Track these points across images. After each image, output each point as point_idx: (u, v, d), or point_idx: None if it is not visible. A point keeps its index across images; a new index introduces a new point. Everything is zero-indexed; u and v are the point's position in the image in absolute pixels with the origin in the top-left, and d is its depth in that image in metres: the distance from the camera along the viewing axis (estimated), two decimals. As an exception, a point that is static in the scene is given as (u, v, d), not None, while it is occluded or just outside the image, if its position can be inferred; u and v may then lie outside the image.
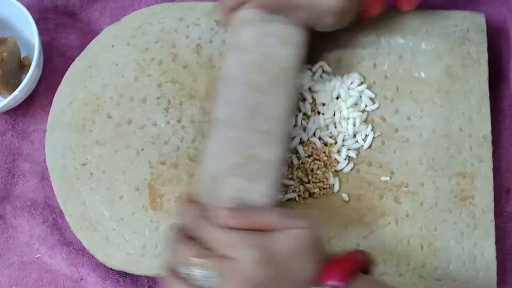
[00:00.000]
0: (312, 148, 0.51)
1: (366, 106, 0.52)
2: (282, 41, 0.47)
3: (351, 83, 0.52)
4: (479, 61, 0.52)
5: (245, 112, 0.44)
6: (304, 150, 0.51)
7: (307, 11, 0.46)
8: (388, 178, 0.50)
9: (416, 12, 0.54)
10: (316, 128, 0.51)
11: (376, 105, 0.52)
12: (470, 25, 0.53)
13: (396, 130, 0.52)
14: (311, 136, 0.51)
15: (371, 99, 0.52)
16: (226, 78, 0.47)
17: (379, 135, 0.51)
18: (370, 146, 0.51)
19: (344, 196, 0.50)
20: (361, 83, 0.52)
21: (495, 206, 0.50)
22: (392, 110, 0.52)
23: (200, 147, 0.51)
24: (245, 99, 0.45)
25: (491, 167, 0.50)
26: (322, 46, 0.53)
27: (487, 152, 0.50)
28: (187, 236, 0.40)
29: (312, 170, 0.50)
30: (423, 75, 0.52)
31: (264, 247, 0.38)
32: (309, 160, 0.51)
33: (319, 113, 0.52)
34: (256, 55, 0.46)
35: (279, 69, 0.46)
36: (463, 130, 0.51)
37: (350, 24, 0.49)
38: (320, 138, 0.51)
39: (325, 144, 0.51)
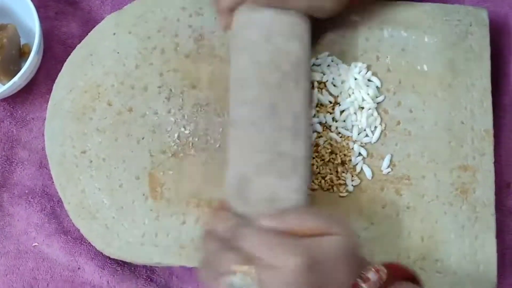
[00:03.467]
0: (331, 142, 0.51)
1: (376, 97, 0.52)
2: (287, 35, 0.46)
3: (359, 72, 0.52)
4: (482, 55, 0.52)
5: (264, 110, 0.44)
6: (321, 144, 0.50)
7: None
8: (389, 170, 0.50)
9: (419, 5, 0.54)
10: (332, 120, 0.51)
11: (382, 97, 0.52)
12: (473, 20, 0.53)
13: (398, 123, 0.52)
14: (327, 129, 0.51)
15: (378, 88, 0.52)
16: (238, 78, 0.46)
17: (382, 129, 0.51)
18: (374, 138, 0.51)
19: (349, 188, 0.50)
20: (367, 71, 0.52)
21: (495, 201, 0.50)
22: (395, 103, 0.52)
23: (202, 138, 0.51)
24: (262, 97, 0.44)
25: (493, 160, 0.50)
26: (325, 38, 0.53)
27: (488, 145, 0.51)
28: (226, 245, 0.39)
29: (327, 165, 0.50)
30: (425, 68, 0.52)
31: (306, 254, 0.37)
32: (326, 155, 0.50)
33: (330, 102, 0.51)
34: (265, 53, 0.46)
35: (290, 64, 0.45)
36: (465, 124, 0.51)
37: (345, 8, 0.49)
38: (338, 133, 0.51)
39: (342, 137, 0.51)
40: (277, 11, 0.46)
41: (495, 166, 0.51)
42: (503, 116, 0.55)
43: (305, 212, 0.40)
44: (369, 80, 0.52)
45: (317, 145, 0.51)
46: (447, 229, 0.49)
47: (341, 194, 0.50)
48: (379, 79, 0.52)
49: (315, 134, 0.51)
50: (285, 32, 0.46)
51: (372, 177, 0.50)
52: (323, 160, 0.50)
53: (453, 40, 0.53)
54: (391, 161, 0.51)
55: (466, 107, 0.52)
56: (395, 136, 0.51)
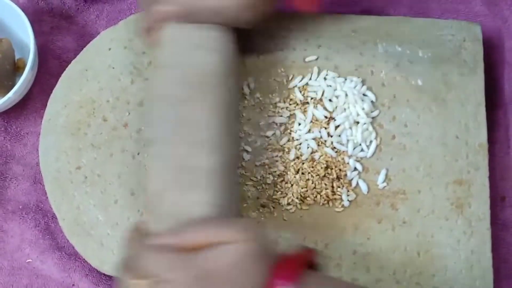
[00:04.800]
0: (326, 157, 0.51)
1: (371, 112, 0.52)
2: (205, 50, 0.46)
3: (354, 86, 0.52)
4: (475, 70, 0.53)
5: (171, 126, 0.44)
6: (316, 159, 0.51)
7: (214, 13, 0.46)
8: (385, 185, 0.50)
9: (413, 20, 0.54)
10: (327, 135, 0.51)
11: (377, 111, 0.52)
12: (466, 35, 0.54)
13: (393, 137, 0.52)
14: (322, 144, 0.51)
15: (373, 103, 0.52)
16: (153, 96, 0.46)
17: (377, 144, 0.51)
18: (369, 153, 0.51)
19: (344, 203, 0.50)
20: (362, 86, 0.53)
21: (490, 215, 0.50)
22: (389, 117, 0.52)
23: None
24: (170, 114, 0.44)
25: (487, 174, 0.51)
26: (318, 52, 0.54)
27: (483, 159, 0.51)
28: (129, 264, 0.40)
29: (322, 180, 0.50)
30: (420, 82, 0.53)
31: (197, 267, 0.37)
32: (321, 170, 0.50)
33: (325, 117, 0.52)
34: (179, 68, 0.45)
35: (203, 77, 0.45)
36: (460, 138, 0.51)
37: (269, 16, 0.48)
38: (333, 147, 0.51)
39: (338, 152, 0.51)
40: (196, 26, 0.46)
41: (489, 180, 0.51)
42: (497, 130, 0.55)
43: (203, 224, 0.40)
44: (364, 95, 0.52)
45: (312, 160, 0.51)
46: (443, 243, 0.49)
47: (337, 209, 0.50)
48: (374, 93, 0.52)
49: (310, 150, 0.51)
50: (202, 47, 0.46)
51: (367, 192, 0.50)
52: (318, 175, 0.50)
53: (447, 54, 0.53)
54: (386, 175, 0.51)
55: (461, 121, 0.52)
56: (390, 150, 0.51)
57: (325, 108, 0.52)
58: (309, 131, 0.51)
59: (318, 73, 0.53)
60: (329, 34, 0.54)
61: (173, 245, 0.38)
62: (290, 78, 0.53)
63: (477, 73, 0.53)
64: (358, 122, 0.51)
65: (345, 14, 0.55)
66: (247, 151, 0.51)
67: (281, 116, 0.52)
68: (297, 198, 0.50)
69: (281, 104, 0.52)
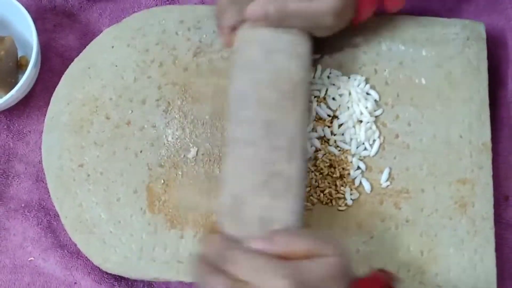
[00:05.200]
0: (329, 156, 0.50)
1: (375, 110, 0.52)
2: (287, 54, 0.46)
3: (358, 85, 0.52)
4: (479, 68, 0.53)
5: (261, 129, 0.44)
6: (319, 158, 0.50)
7: (305, 17, 0.46)
8: (388, 184, 0.50)
9: (417, 19, 0.54)
10: (331, 134, 0.51)
11: (380, 110, 0.52)
12: (470, 33, 0.54)
13: (397, 136, 0.52)
14: (326, 143, 0.51)
15: (376, 102, 0.52)
16: (237, 97, 0.46)
17: (381, 143, 0.51)
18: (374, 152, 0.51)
19: (347, 201, 0.50)
20: (366, 84, 0.52)
21: (493, 214, 0.50)
22: (393, 116, 0.52)
23: (205, 156, 0.51)
24: (260, 117, 0.44)
25: (491, 173, 0.50)
26: (323, 51, 0.53)
27: (487, 159, 0.51)
28: (216, 268, 0.39)
29: (326, 179, 0.50)
30: (423, 81, 0.53)
31: (296, 277, 0.37)
32: (324, 168, 0.50)
33: (329, 116, 0.51)
34: (265, 72, 0.45)
35: (290, 83, 0.45)
36: (463, 137, 0.51)
37: (345, 27, 0.49)
38: (336, 146, 0.51)
39: (341, 151, 0.51)
40: (278, 30, 0.46)
41: (493, 179, 0.51)
42: (501, 129, 0.55)
43: (296, 234, 0.40)
44: (367, 93, 0.52)
45: (315, 158, 0.51)
46: (447, 243, 0.49)
47: (340, 208, 0.50)
48: (377, 92, 0.52)
49: (313, 148, 0.51)
50: (285, 51, 0.46)
51: (371, 191, 0.50)
52: (321, 173, 0.50)
53: (451, 53, 0.53)
54: (390, 174, 0.51)
55: (464, 120, 0.52)
56: (393, 149, 0.51)
57: (328, 107, 0.52)
58: (312, 129, 0.51)
59: (322, 71, 0.53)
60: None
61: (268, 251, 0.38)
62: (293, 77, 0.53)
63: (481, 71, 0.53)
64: (361, 121, 0.51)
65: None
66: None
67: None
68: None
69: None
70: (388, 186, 0.50)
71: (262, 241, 0.39)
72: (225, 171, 0.44)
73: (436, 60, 0.53)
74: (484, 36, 0.54)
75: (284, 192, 0.42)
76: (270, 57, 0.46)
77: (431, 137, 0.51)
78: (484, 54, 0.53)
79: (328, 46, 0.53)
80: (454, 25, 0.54)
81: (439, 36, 0.53)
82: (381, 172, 0.51)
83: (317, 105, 0.52)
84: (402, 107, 0.52)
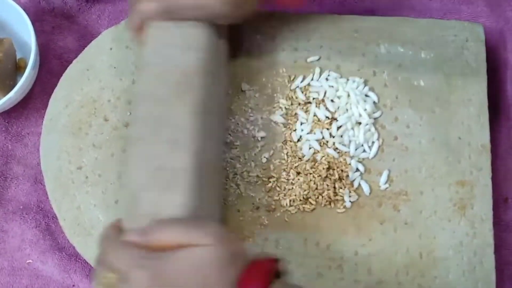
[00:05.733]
0: (328, 158, 0.50)
1: (374, 112, 0.52)
2: (182, 47, 0.46)
3: (357, 87, 0.52)
4: (478, 70, 0.53)
5: (151, 125, 0.44)
6: (318, 160, 0.50)
7: (196, 9, 0.46)
8: (387, 186, 0.50)
9: (415, 21, 0.54)
10: (329, 136, 0.51)
11: (379, 112, 0.52)
12: (469, 35, 0.54)
13: (396, 138, 0.52)
14: (324, 145, 0.51)
15: (375, 104, 0.52)
16: (135, 95, 0.46)
17: (380, 145, 0.51)
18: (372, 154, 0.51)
19: (346, 204, 0.50)
20: (364, 86, 0.52)
21: (492, 216, 0.50)
22: (392, 118, 0.52)
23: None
24: (150, 113, 0.44)
25: (490, 175, 0.50)
26: (320, 52, 0.53)
27: (486, 160, 0.51)
28: (100, 258, 0.40)
29: (324, 181, 0.50)
30: (422, 83, 0.53)
31: (155, 268, 0.37)
32: (323, 170, 0.50)
33: (327, 118, 0.51)
34: (159, 67, 0.45)
35: (181, 76, 0.45)
36: (462, 139, 0.51)
37: (254, 13, 0.48)
38: (335, 148, 0.51)
39: (340, 153, 0.51)
40: (177, 23, 0.46)
41: (492, 181, 0.51)
42: (500, 131, 0.55)
43: (169, 224, 0.40)
44: (366, 95, 0.52)
45: (314, 160, 0.50)
46: (446, 245, 0.49)
47: (339, 210, 0.50)
48: (376, 94, 0.52)
49: (312, 150, 0.51)
50: (178, 45, 0.46)
51: (370, 193, 0.50)
52: (320, 176, 0.50)
53: (450, 55, 0.53)
54: (388, 176, 0.51)
55: (463, 122, 0.52)
56: (392, 151, 0.51)
57: (327, 109, 0.52)
58: (311, 131, 0.51)
59: (320, 74, 0.53)
60: (331, 35, 0.54)
61: (140, 243, 0.39)
62: (292, 79, 0.53)
63: (480, 73, 0.53)
64: (360, 123, 0.51)
65: (347, 14, 0.55)
66: (248, 151, 0.51)
67: (283, 116, 0.52)
68: (298, 199, 0.50)
69: (283, 105, 0.52)
70: (387, 188, 0.50)
71: (135, 232, 0.39)
72: (127, 169, 0.44)
73: (435, 62, 0.53)
74: (483, 38, 0.54)
75: (173, 187, 0.42)
76: (165, 51, 0.46)
77: (430, 139, 0.51)
78: (483, 56, 0.53)
79: (327, 48, 0.53)
80: (453, 27, 0.54)
81: (438, 38, 0.53)
82: (380, 174, 0.51)
83: (316, 107, 0.52)
84: (401, 109, 0.52)
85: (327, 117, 0.51)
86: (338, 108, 0.52)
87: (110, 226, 0.42)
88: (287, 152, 0.51)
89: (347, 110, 0.51)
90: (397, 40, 0.53)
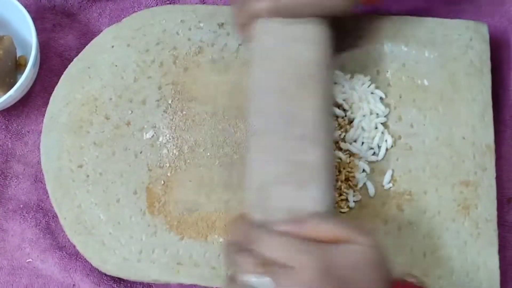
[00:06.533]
0: (337, 159, 0.50)
1: (382, 112, 0.51)
2: (304, 42, 0.46)
3: (362, 84, 0.52)
4: (482, 70, 0.52)
5: (281, 119, 0.43)
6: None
7: (313, 3, 0.45)
8: (391, 186, 0.50)
9: (419, 20, 0.54)
10: (340, 137, 0.50)
11: (387, 110, 0.51)
12: (473, 34, 0.53)
13: (399, 138, 0.51)
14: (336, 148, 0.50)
15: (381, 100, 0.52)
16: (256, 88, 0.46)
17: (388, 147, 0.51)
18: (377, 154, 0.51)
19: (350, 203, 0.50)
20: (370, 85, 0.52)
21: (496, 216, 0.49)
22: (395, 118, 0.52)
23: (203, 152, 0.50)
24: (278, 107, 0.44)
25: (494, 175, 0.50)
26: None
27: (490, 160, 0.50)
28: (242, 249, 0.39)
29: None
30: (426, 83, 0.52)
31: (324, 258, 0.36)
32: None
33: (336, 117, 0.51)
34: (281, 62, 0.45)
35: (307, 71, 0.45)
36: (466, 139, 0.51)
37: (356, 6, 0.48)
38: (345, 150, 0.50)
39: (348, 154, 0.50)
40: (292, 20, 0.46)
41: (496, 181, 0.50)
42: (504, 131, 0.54)
43: (324, 219, 0.39)
44: (371, 93, 0.52)
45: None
46: (450, 245, 0.48)
47: (342, 210, 0.49)
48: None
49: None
50: (301, 39, 0.46)
51: (373, 193, 0.50)
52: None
53: (454, 54, 0.53)
54: (392, 176, 0.50)
55: (467, 122, 0.51)
56: (396, 151, 0.51)
57: (340, 107, 0.51)
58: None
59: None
60: (335, 34, 0.53)
61: (295, 233, 0.38)
62: (295, 77, 0.53)
63: (484, 73, 0.52)
64: (371, 125, 0.51)
65: (351, 13, 0.54)
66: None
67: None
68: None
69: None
70: (390, 188, 0.50)
71: (289, 223, 0.39)
72: (250, 162, 0.43)
73: (438, 62, 0.53)
74: (487, 37, 0.53)
75: (308, 181, 0.41)
76: (285, 45, 0.46)
77: (434, 138, 0.51)
78: (487, 55, 0.53)
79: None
80: (457, 26, 0.54)
81: (442, 37, 0.53)
82: (384, 174, 0.50)
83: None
84: (405, 109, 0.52)
85: (342, 118, 0.51)
86: (352, 106, 0.51)
87: (238, 217, 0.41)
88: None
89: (359, 109, 0.51)
90: (401, 39, 0.53)
